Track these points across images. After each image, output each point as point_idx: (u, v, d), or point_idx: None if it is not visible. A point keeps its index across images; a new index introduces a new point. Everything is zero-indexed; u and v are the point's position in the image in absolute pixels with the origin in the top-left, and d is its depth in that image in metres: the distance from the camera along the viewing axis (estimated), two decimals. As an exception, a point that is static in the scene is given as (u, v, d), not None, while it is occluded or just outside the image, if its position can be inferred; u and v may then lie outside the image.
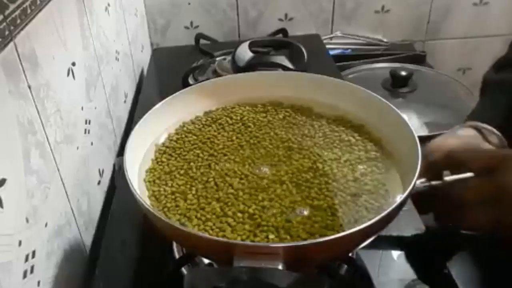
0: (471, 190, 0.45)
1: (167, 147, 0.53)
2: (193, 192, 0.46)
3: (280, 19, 1.17)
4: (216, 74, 0.88)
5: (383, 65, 1.03)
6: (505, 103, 0.57)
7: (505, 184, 0.42)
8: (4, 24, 0.40)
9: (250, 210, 0.43)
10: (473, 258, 0.56)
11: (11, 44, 0.41)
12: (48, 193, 0.47)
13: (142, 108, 0.77)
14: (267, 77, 0.61)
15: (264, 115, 0.58)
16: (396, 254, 0.54)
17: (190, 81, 0.87)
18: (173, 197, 0.46)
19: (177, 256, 0.53)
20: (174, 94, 0.55)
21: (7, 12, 0.41)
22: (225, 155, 0.51)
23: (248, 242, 0.40)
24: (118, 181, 0.69)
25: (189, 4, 1.13)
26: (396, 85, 0.92)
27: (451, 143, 0.53)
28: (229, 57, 0.89)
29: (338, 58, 1.05)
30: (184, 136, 0.54)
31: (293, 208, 0.43)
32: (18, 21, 0.43)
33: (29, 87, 0.44)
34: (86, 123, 0.61)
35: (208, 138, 0.54)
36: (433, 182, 0.45)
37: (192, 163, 0.50)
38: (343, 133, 0.54)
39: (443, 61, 1.23)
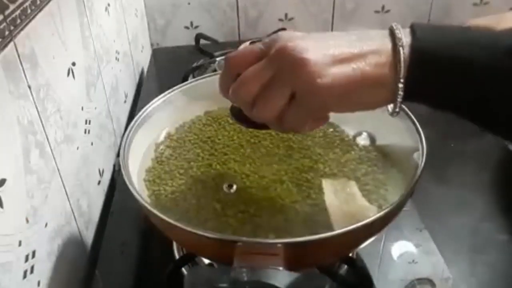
0: (251, 76, 0.35)
1: (167, 146, 0.53)
2: (193, 191, 0.46)
3: (280, 19, 1.17)
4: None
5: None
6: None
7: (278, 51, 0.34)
8: (4, 24, 0.40)
9: (251, 210, 0.43)
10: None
11: (11, 44, 0.41)
12: (48, 193, 0.47)
13: (142, 108, 0.77)
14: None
15: (265, 115, 0.57)
16: (396, 254, 0.54)
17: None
18: (173, 196, 0.46)
19: (177, 256, 0.53)
20: (174, 91, 0.55)
21: (7, 12, 0.41)
22: (225, 154, 0.51)
23: (248, 239, 0.40)
24: (118, 181, 0.69)
25: (189, 4, 1.13)
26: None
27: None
28: (229, 57, 0.89)
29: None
30: (184, 136, 0.54)
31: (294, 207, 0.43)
32: (18, 21, 0.43)
33: (29, 87, 0.44)
34: (86, 123, 0.61)
35: (209, 137, 0.54)
36: None
37: (192, 163, 0.50)
38: (343, 133, 0.54)
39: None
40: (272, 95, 0.34)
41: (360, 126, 0.53)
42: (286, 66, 0.33)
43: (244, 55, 0.36)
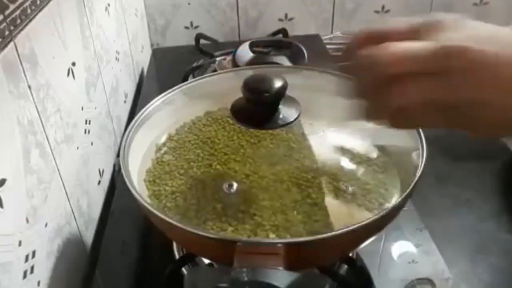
0: (398, 59, 0.29)
1: (168, 147, 0.53)
2: (193, 191, 0.46)
3: (280, 19, 1.17)
4: (216, 74, 0.88)
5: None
6: None
7: (463, 48, 0.28)
8: (4, 24, 0.40)
9: (251, 210, 0.43)
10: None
11: (11, 44, 0.41)
12: (48, 193, 0.47)
13: (142, 108, 0.77)
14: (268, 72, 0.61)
15: (265, 114, 0.57)
16: (396, 254, 0.54)
17: (190, 81, 0.87)
18: (173, 196, 0.46)
19: (177, 256, 0.53)
20: (174, 91, 0.55)
21: (7, 12, 0.41)
22: (225, 154, 0.51)
23: (248, 239, 0.40)
24: (118, 181, 0.69)
25: (189, 4, 1.13)
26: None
27: None
28: (229, 57, 0.89)
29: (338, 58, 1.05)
30: (184, 136, 0.54)
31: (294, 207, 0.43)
32: (18, 21, 0.43)
33: (29, 87, 0.44)
34: (86, 123, 0.61)
35: (209, 138, 0.54)
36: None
37: (192, 163, 0.50)
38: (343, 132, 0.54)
39: (443, 61, 1.23)
40: (426, 92, 0.28)
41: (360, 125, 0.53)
42: (468, 80, 0.27)
43: (390, 31, 0.31)
